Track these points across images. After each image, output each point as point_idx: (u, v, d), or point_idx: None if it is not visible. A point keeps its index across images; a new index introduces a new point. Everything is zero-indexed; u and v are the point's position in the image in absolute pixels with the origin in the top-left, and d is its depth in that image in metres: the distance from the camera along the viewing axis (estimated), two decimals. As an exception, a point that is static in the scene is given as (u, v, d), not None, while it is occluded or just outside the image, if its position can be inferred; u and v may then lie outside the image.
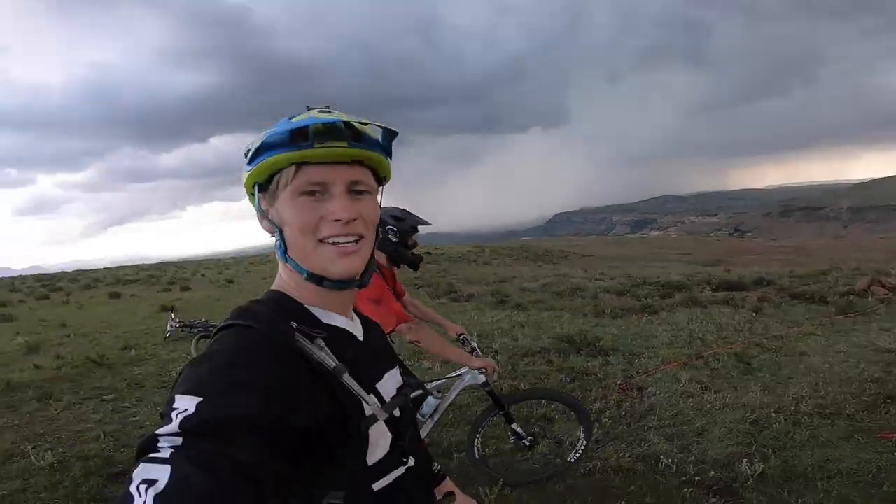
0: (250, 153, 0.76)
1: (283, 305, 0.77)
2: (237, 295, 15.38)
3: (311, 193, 0.74)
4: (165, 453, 0.53)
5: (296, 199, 0.74)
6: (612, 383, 4.68)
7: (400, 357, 1.12)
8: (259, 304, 0.77)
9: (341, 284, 0.76)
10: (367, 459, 0.73)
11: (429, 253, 37.96)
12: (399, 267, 2.78)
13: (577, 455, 3.13)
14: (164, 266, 37.67)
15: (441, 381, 2.96)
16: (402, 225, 2.62)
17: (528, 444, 2.99)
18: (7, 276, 36.62)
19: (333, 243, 0.75)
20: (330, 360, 0.70)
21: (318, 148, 0.72)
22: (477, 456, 3.04)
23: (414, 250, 2.74)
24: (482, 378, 2.72)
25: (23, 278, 31.16)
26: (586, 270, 24.41)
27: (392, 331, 2.36)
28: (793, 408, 3.91)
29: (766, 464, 3.10)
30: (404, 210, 2.70)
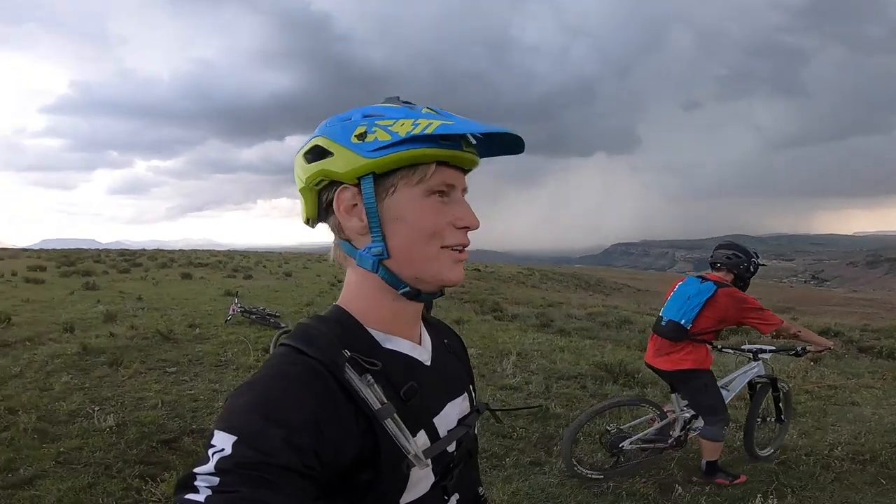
0: (383, 138, 0.67)
1: (343, 326, 0.71)
2: (293, 288, 16.19)
3: (441, 194, 0.70)
4: (202, 495, 0.53)
5: (427, 198, 0.69)
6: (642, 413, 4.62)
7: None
8: (320, 323, 0.71)
9: (434, 296, 0.73)
10: (402, 499, 0.68)
11: (478, 270, 38.10)
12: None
13: (769, 452, 3.71)
14: (231, 253, 40.45)
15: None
16: (757, 262, 3.41)
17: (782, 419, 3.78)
18: (94, 247, 40.67)
19: (456, 250, 0.72)
20: (375, 401, 0.64)
21: (465, 152, 0.70)
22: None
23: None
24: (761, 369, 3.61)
25: (108, 252, 34.48)
26: (639, 304, 23.59)
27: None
28: (826, 452, 3.80)
29: (782, 501, 3.03)
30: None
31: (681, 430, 3.39)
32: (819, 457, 3.72)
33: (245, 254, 42.12)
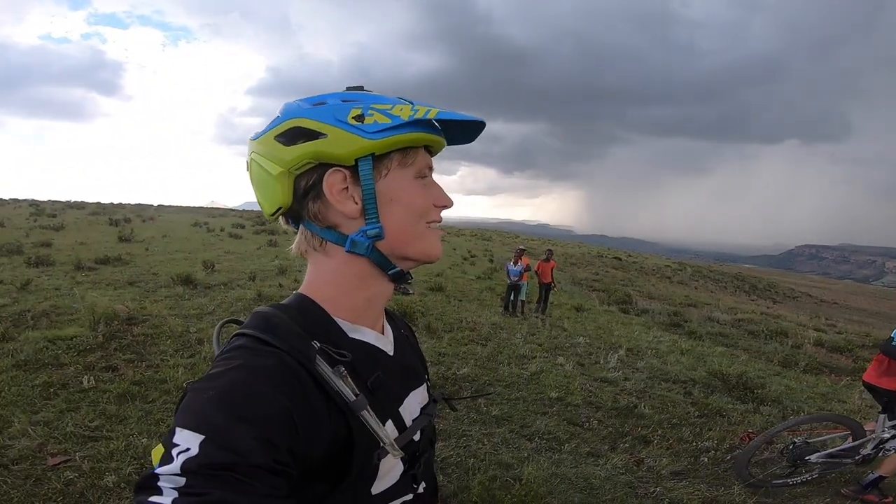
0: (374, 121, 0.68)
1: (309, 316, 0.69)
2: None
3: (423, 178, 0.74)
4: (167, 497, 0.50)
5: (416, 180, 0.72)
6: (740, 430, 4.34)
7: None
8: (282, 311, 0.69)
9: (408, 276, 0.76)
10: (373, 489, 0.68)
11: (619, 259, 35.98)
12: None
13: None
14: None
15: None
16: None
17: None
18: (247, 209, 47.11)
19: (437, 228, 0.76)
20: (349, 392, 0.64)
21: (441, 138, 0.75)
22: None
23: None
24: None
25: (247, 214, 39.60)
26: (812, 318, 20.08)
27: None
28: None
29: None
30: None
31: (872, 449, 3.38)
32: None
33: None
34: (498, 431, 3.89)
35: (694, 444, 4.03)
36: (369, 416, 0.65)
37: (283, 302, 0.73)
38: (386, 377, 0.72)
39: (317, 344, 0.65)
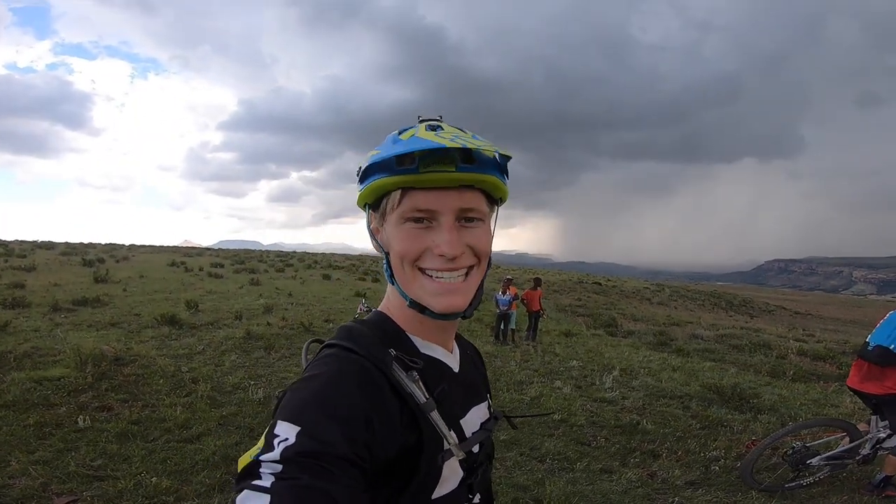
0: (360, 173, 0.73)
1: (385, 330, 0.76)
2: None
3: (418, 220, 0.70)
4: (266, 482, 0.55)
5: (402, 226, 0.71)
6: (745, 438, 4.41)
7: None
8: (363, 325, 0.76)
9: (443, 317, 0.73)
10: (434, 493, 0.72)
11: (599, 284, 36.48)
12: None
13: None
14: (363, 257, 44.48)
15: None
16: None
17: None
18: (258, 248, 48.05)
19: (437, 278, 0.71)
20: (421, 395, 0.69)
21: (423, 173, 0.68)
22: None
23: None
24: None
25: (267, 253, 40.37)
26: (790, 329, 20.63)
27: None
28: None
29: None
30: None
31: (870, 449, 3.48)
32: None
33: (375, 258, 46.14)
34: (508, 455, 3.86)
35: (702, 454, 4.08)
36: (438, 418, 0.69)
37: (364, 318, 0.81)
38: (450, 390, 0.76)
39: (393, 352, 0.71)
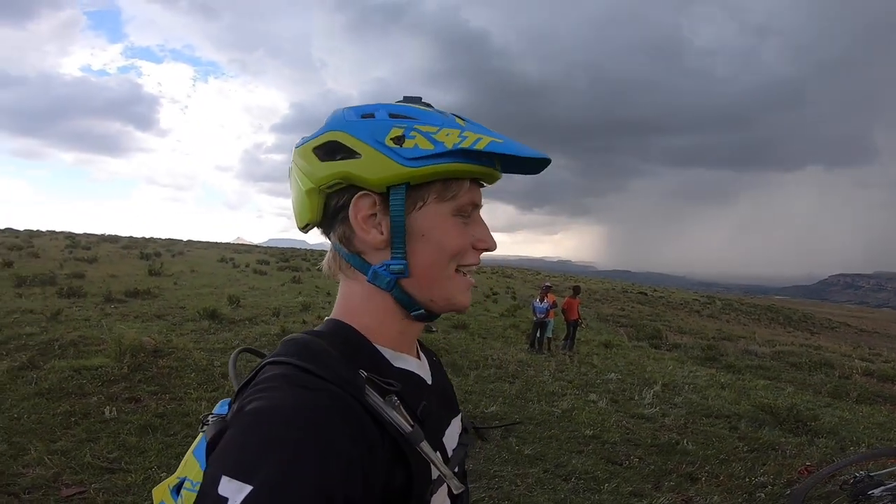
0: (415, 146, 0.61)
1: (350, 343, 0.62)
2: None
3: (464, 215, 0.65)
4: None
5: (453, 218, 0.63)
6: (797, 463, 3.99)
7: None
8: (321, 339, 0.62)
9: (429, 318, 0.67)
10: None
11: (644, 294, 35.14)
12: None
13: None
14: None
15: None
16: None
17: None
18: (304, 248, 49.93)
19: (466, 273, 0.66)
20: (406, 424, 0.56)
21: (497, 171, 0.65)
22: None
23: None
24: None
25: (311, 252, 41.78)
26: (855, 347, 19.04)
27: None
28: None
29: None
30: None
31: None
32: None
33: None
34: (531, 472, 3.64)
35: (747, 479, 3.73)
36: (428, 448, 0.58)
37: (316, 328, 0.65)
38: (431, 406, 0.65)
39: (364, 373, 0.58)
